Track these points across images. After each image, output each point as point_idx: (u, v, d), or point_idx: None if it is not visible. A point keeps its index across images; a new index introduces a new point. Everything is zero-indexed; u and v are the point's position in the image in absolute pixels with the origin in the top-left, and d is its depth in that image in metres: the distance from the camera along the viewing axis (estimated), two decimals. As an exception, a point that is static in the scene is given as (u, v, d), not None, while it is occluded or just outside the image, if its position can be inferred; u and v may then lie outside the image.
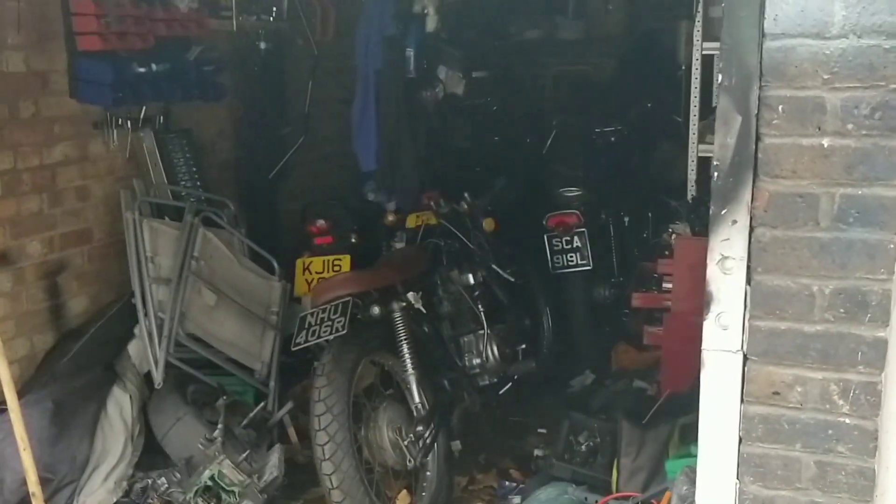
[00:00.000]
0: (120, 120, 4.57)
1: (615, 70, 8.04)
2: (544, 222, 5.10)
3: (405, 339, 3.57)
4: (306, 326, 3.44)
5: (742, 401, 2.19)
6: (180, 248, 4.39)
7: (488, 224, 4.70)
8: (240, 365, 4.45)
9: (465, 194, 4.65)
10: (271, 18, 5.61)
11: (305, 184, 6.24)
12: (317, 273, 5.23)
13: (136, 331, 4.25)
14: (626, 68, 7.81)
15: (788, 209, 2.04)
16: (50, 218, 4.24)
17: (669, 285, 3.80)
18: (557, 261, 5.11)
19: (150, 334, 4.14)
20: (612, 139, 6.33)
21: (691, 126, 4.73)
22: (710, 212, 2.09)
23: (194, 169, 4.93)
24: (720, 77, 2.02)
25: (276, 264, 4.95)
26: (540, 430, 4.48)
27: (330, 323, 3.36)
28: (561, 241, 5.07)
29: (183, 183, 4.83)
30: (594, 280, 5.19)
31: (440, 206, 4.62)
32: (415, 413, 3.53)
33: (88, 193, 4.48)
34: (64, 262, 4.34)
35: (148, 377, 4.17)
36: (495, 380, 4.18)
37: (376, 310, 3.56)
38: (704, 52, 4.66)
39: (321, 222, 5.30)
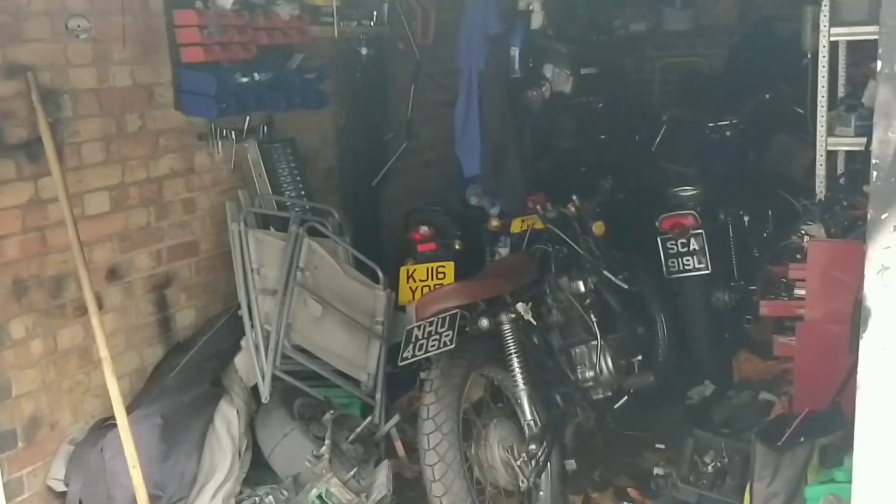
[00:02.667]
0: (224, 131, 4.55)
1: (727, 61, 7.69)
2: (657, 224, 4.84)
3: (515, 353, 3.40)
4: (413, 340, 3.31)
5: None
6: (286, 258, 4.34)
7: (598, 228, 4.49)
8: (345, 376, 4.37)
9: (574, 197, 4.45)
10: (371, 24, 5.53)
11: (408, 190, 6.15)
12: (421, 281, 5.13)
13: (242, 343, 4.22)
14: (739, 59, 7.45)
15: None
16: (157, 231, 4.25)
17: (802, 292, 3.52)
18: (672, 265, 4.84)
19: (256, 346, 4.11)
20: (728, 133, 6.01)
21: (819, 118, 4.41)
22: (869, 217, 1.85)
23: (298, 178, 4.88)
24: (880, 64, 1.78)
25: (380, 273, 4.86)
26: (658, 446, 4.25)
27: (437, 337, 3.22)
28: (676, 244, 4.80)
29: (287, 192, 4.78)
30: (712, 284, 4.90)
31: (547, 210, 4.43)
32: (526, 430, 3.35)
33: (194, 205, 4.47)
34: (171, 275, 4.34)
35: (255, 391, 4.14)
36: (609, 393, 3.96)
37: (485, 322, 3.40)
38: (832, 39, 4.34)
39: (424, 229, 5.20)
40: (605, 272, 4.19)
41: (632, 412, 4.39)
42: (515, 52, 4.49)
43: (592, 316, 3.89)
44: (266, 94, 4.51)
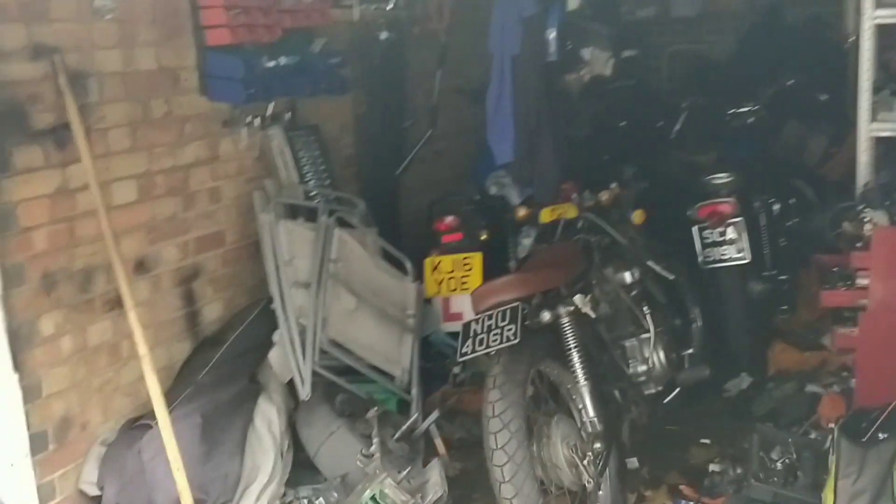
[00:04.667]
0: (248, 117, 4.37)
1: (738, 48, 7.58)
2: (692, 213, 4.71)
3: (575, 347, 3.26)
4: (471, 335, 3.15)
5: None
6: (317, 250, 4.17)
7: (637, 216, 4.36)
8: (379, 371, 4.22)
9: (613, 184, 4.31)
10: (388, 7, 5.35)
11: (422, 179, 6.00)
12: (447, 273, 4.98)
13: (275, 338, 4.05)
14: (750, 46, 7.34)
15: None
16: (184, 222, 4.06)
17: (864, 281, 3.41)
18: (709, 254, 4.72)
19: (291, 341, 3.94)
20: (749, 121, 5.91)
21: (862, 104, 4.30)
22: None
23: (322, 167, 4.71)
24: None
25: (408, 264, 4.70)
26: (703, 441, 4.13)
27: (499, 331, 3.07)
28: (713, 233, 4.68)
29: (312, 181, 4.61)
30: (748, 274, 4.79)
31: (585, 197, 4.29)
32: (589, 427, 3.22)
33: (220, 195, 4.29)
34: (198, 267, 4.16)
35: (290, 387, 3.98)
36: (660, 387, 3.84)
37: (546, 315, 3.25)
38: (876, 22, 4.24)
39: (450, 219, 5.04)
40: (650, 262, 4.06)
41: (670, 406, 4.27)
42: (552, 34, 4.33)
43: (645, 308, 3.75)
44: (291, 79, 4.34)
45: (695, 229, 4.73)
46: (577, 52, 4.87)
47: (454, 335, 4.91)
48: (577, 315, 3.29)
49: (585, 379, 3.24)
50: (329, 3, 4.76)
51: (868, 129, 4.29)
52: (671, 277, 4.13)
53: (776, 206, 5.29)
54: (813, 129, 6.40)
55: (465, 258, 4.96)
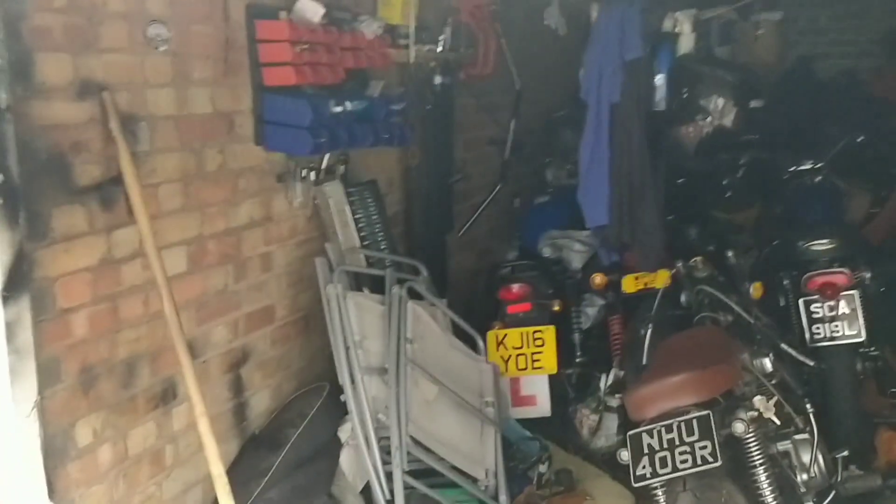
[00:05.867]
0: (304, 171, 3.73)
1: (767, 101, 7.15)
2: (800, 284, 4.16)
3: (761, 464, 2.64)
4: (646, 451, 2.52)
5: None
6: (390, 328, 3.51)
7: (756, 290, 3.80)
8: (461, 473, 3.55)
9: (729, 253, 3.75)
10: (438, 49, 4.79)
11: (482, 239, 5.41)
12: (514, 349, 4.36)
13: (341, 435, 3.37)
14: (780, 98, 6.92)
15: None
16: (235, 295, 3.39)
17: None
18: (817, 332, 4.17)
19: (367, 441, 3.26)
20: (817, 179, 5.42)
21: None
22: None
23: (379, 228, 4.07)
24: None
25: (480, 342, 4.07)
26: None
27: (687, 448, 2.45)
28: (823, 307, 4.14)
29: (369, 245, 3.96)
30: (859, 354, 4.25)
31: (696, 266, 3.71)
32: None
33: (271, 262, 3.62)
34: (248, 349, 3.48)
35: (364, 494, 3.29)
36: (816, 499, 3.22)
37: (740, 427, 2.63)
38: None
39: (518, 286, 4.44)
40: (783, 345, 3.48)
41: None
42: (661, 79, 3.80)
43: (808, 404, 3.15)
44: (356, 127, 3.71)
45: (802, 303, 4.18)
46: (694, 100, 4.33)
47: (525, 422, 4.31)
48: (759, 422, 2.67)
49: (774, 500, 2.61)
50: (388, 42, 4.17)
51: None
52: (811, 363, 3.55)
53: (868, 275, 4.80)
54: (854, 186, 5.96)
55: (535, 332, 4.35)
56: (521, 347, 4.35)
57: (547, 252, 5.01)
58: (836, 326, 4.14)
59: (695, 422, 2.48)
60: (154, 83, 2.93)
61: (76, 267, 2.62)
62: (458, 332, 4.15)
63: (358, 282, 3.76)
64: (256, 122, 3.45)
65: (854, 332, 4.12)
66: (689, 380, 2.59)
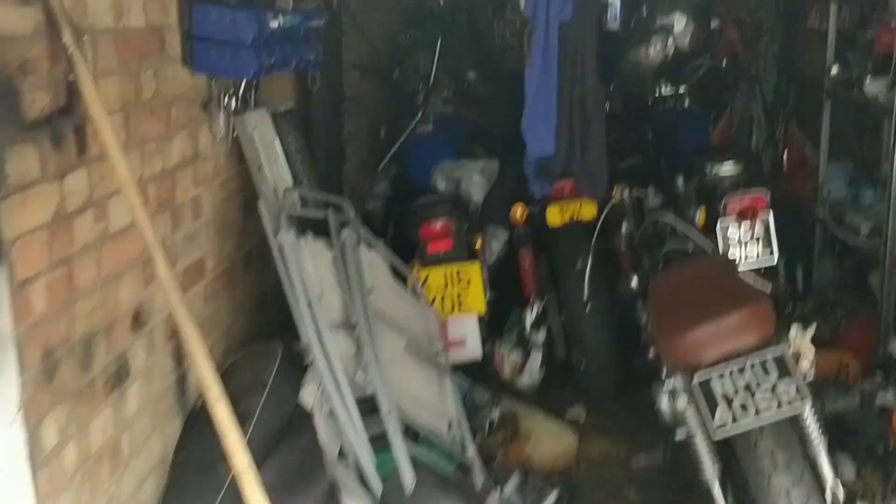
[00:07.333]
0: (225, 98, 3.18)
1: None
2: (719, 209, 4.17)
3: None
4: (722, 397, 2.34)
5: None
6: (349, 277, 3.12)
7: (702, 215, 3.75)
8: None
9: (679, 181, 3.67)
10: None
11: (349, 173, 4.99)
12: (438, 289, 4.08)
13: (307, 402, 2.96)
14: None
15: None
16: (172, 249, 2.84)
17: None
18: (733, 257, 4.22)
19: (348, 410, 2.89)
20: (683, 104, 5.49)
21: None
22: None
23: (304, 163, 3.59)
24: None
25: (418, 287, 3.75)
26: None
27: (768, 390, 2.31)
28: (739, 231, 4.18)
29: (302, 183, 3.50)
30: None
31: (650, 196, 3.60)
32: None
33: (201, 207, 3.09)
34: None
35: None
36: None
37: (806, 364, 2.51)
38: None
39: (441, 223, 4.13)
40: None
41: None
42: (616, -1, 3.57)
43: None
44: (287, 46, 3.20)
45: (719, 228, 4.20)
46: (652, 18, 4.08)
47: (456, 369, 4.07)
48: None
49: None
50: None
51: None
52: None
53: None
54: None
55: (459, 270, 4.09)
56: (446, 287, 4.07)
57: (442, 185, 4.73)
58: (751, 249, 4.22)
59: (774, 361, 2.35)
60: (91, -12, 2.32)
61: (32, 224, 2.03)
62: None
63: (298, 227, 3.29)
64: (184, 39, 2.87)
65: (768, 254, 4.22)
66: (752, 316, 2.44)
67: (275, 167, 3.32)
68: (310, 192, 3.51)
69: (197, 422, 2.91)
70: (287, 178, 3.36)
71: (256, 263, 3.56)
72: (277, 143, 3.33)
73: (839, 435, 3.58)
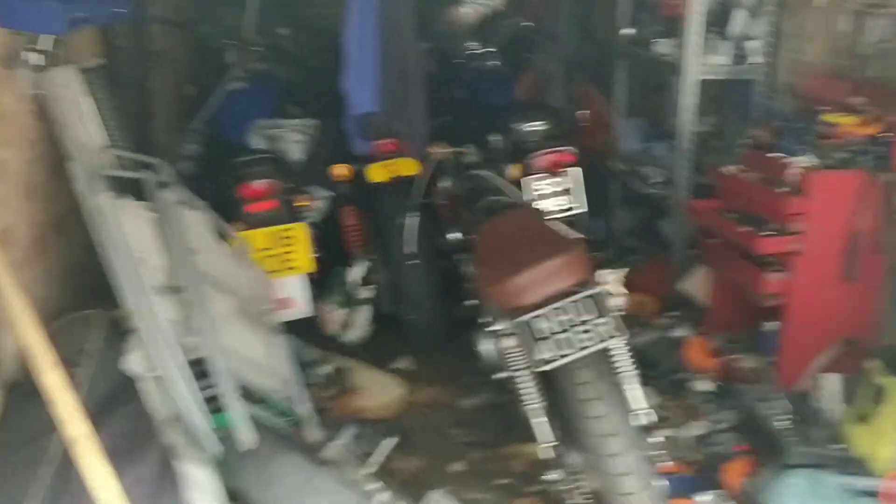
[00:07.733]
0: (26, 53, 3.00)
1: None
2: (527, 164, 4.36)
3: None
4: (543, 335, 2.50)
5: None
6: (172, 240, 3.04)
7: (514, 170, 3.91)
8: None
9: (492, 138, 3.81)
10: None
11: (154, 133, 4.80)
12: (263, 250, 4.05)
13: (130, 367, 2.88)
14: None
15: None
16: (-23, 216, 2.67)
17: (797, 227, 3.45)
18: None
19: (181, 373, 2.84)
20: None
21: (690, 46, 4.35)
22: None
23: (113, 122, 3.44)
24: None
25: (246, 245, 3.71)
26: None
27: (588, 327, 2.48)
28: (549, 184, 4.39)
29: (115, 143, 3.35)
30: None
31: (469, 153, 3.72)
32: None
33: (7, 171, 2.91)
34: (-4, 281, 2.78)
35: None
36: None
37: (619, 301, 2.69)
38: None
39: (260, 183, 4.08)
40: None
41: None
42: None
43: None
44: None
45: (523, 182, 4.37)
46: None
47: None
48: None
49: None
50: None
51: (696, 71, 4.38)
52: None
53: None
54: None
55: (283, 231, 4.07)
56: (270, 248, 4.04)
57: (258, 143, 4.66)
58: (561, 201, 4.46)
59: (591, 299, 2.53)
60: None
61: None
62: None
63: (115, 189, 3.16)
64: (-18, -10, 2.68)
65: (577, 206, 4.47)
66: (569, 261, 2.61)
67: (87, 126, 3.17)
68: (125, 152, 3.38)
69: (20, 395, 2.79)
70: (100, 138, 3.21)
71: (71, 229, 3.39)
72: (89, 100, 3.17)
73: (641, 368, 3.94)
